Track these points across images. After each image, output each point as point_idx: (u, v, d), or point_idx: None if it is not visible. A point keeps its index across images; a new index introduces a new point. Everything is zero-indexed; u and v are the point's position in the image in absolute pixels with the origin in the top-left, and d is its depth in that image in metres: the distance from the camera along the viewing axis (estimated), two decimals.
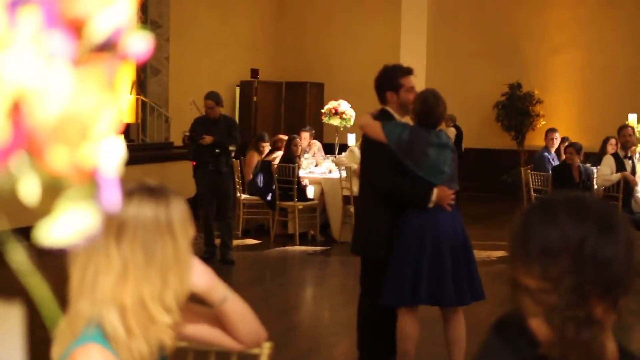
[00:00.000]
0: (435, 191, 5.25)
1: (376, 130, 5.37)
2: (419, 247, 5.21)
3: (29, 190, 0.76)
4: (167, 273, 1.93)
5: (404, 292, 5.24)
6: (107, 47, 0.82)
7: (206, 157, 9.66)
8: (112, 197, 0.80)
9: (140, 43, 0.83)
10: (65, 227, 0.77)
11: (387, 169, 5.35)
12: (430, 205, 5.26)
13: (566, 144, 10.92)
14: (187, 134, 9.79)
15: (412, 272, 5.20)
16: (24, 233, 1.32)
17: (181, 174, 12.45)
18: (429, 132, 5.31)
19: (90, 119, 0.78)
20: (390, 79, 5.59)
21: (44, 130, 0.76)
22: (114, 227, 1.90)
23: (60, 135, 0.76)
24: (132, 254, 1.90)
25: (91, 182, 0.78)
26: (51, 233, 0.77)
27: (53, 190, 0.77)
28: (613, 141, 10.84)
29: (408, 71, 5.63)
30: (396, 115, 5.54)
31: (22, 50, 0.75)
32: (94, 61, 0.80)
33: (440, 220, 5.27)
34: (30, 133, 0.76)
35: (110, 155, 0.80)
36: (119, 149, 0.81)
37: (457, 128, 15.43)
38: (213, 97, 9.73)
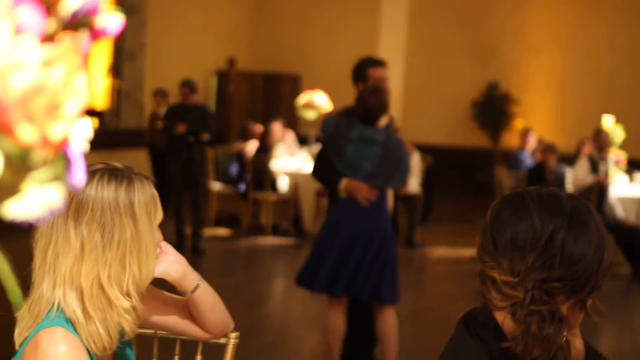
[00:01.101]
0: (343, 182, 5.22)
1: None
2: (331, 237, 5.24)
3: None
4: (125, 257, 1.90)
5: (311, 278, 5.27)
6: (78, 25, 0.81)
7: (179, 145, 9.64)
8: (78, 174, 0.79)
9: (111, 22, 0.82)
10: (31, 201, 0.76)
11: (320, 158, 5.45)
12: (342, 195, 5.25)
13: (542, 144, 10.97)
14: (160, 122, 9.79)
15: (322, 260, 5.22)
16: None
17: (153, 160, 12.38)
18: (352, 127, 5.25)
19: (59, 96, 0.77)
20: (359, 70, 5.59)
21: (11, 105, 0.74)
22: (73, 208, 1.87)
23: (27, 110, 0.75)
24: (89, 235, 1.87)
25: (57, 157, 0.77)
26: (16, 207, 0.76)
27: (18, 165, 0.75)
28: (588, 143, 10.89)
29: (377, 62, 5.61)
30: None
31: None
32: (64, 38, 0.79)
33: (354, 214, 5.23)
34: None
35: (77, 133, 0.79)
36: (86, 127, 0.80)
37: None
38: (187, 84, 9.79)
